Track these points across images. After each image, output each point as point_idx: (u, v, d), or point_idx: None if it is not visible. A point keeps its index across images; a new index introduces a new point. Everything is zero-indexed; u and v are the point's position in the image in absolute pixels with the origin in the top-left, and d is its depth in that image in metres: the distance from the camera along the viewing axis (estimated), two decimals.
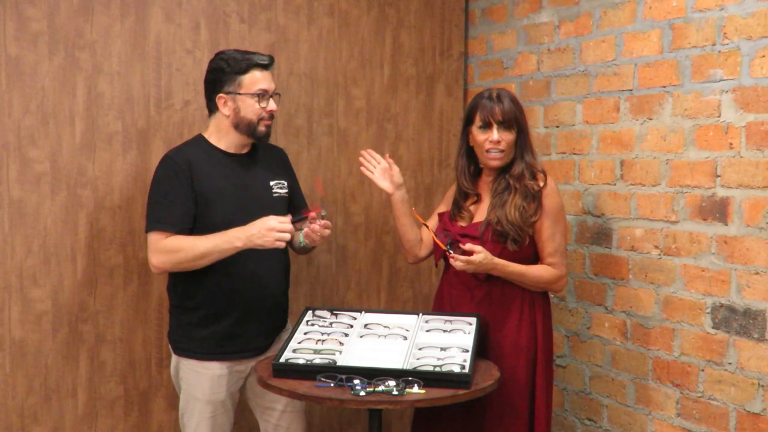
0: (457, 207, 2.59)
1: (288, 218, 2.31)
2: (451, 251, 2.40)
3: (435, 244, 2.53)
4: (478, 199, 2.57)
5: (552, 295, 3.06)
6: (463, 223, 2.55)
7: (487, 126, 2.45)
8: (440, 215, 2.66)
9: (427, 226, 2.58)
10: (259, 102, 2.41)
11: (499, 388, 2.31)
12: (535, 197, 2.45)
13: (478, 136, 2.47)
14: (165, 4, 2.81)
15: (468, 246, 2.35)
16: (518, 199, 2.43)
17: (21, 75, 2.60)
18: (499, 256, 2.41)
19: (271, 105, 2.44)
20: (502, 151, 2.45)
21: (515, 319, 2.48)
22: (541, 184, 2.47)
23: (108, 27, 2.72)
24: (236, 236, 2.28)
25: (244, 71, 2.40)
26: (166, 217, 2.37)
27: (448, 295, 2.58)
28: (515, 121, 2.45)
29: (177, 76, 2.85)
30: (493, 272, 2.42)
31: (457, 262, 2.35)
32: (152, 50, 2.80)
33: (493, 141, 2.44)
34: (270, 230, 2.25)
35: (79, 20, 2.67)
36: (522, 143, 2.49)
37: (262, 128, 2.45)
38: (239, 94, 2.40)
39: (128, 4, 2.75)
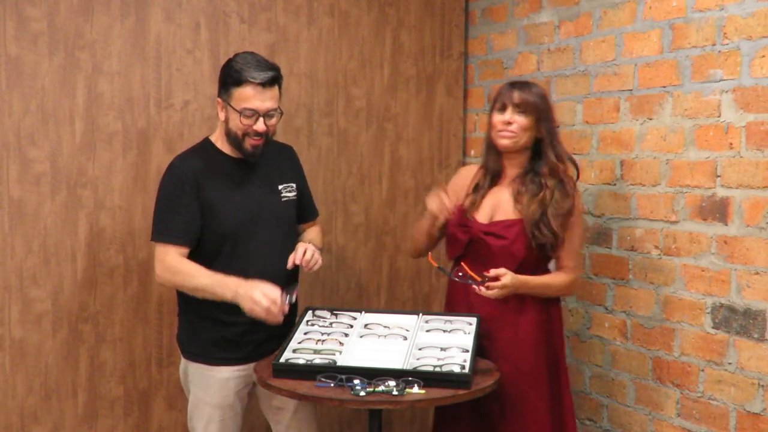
0: (478, 189, 2.53)
1: (276, 294, 2.21)
2: (478, 286, 2.31)
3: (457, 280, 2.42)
4: (488, 190, 2.53)
5: None
6: (478, 217, 2.49)
7: (502, 108, 2.45)
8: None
9: (444, 270, 2.47)
10: (242, 119, 2.29)
11: (517, 389, 2.31)
12: (569, 192, 2.43)
13: (494, 117, 2.46)
14: (165, 4, 2.81)
15: (493, 272, 2.31)
16: (555, 201, 2.40)
17: (21, 75, 2.60)
18: (524, 255, 2.40)
19: (258, 125, 2.30)
20: (513, 133, 2.43)
21: (534, 319, 2.45)
22: (574, 175, 2.47)
23: (108, 27, 2.72)
24: (228, 287, 2.24)
25: (238, 84, 2.28)
26: (171, 228, 2.34)
27: (464, 294, 2.51)
28: (533, 108, 2.42)
29: (177, 76, 2.85)
30: (522, 290, 2.37)
31: (491, 291, 2.30)
32: (152, 50, 2.80)
33: (504, 122, 2.43)
34: (252, 300, 2.19)
35: (79, 20, 2.68)
36: (549, 134, 2.44)
37: (247, 146, 2.34)
38: (229, 105, 2.32)
39: (128, 4, 2.75)
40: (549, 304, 2.50)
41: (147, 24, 2.79)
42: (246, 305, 2.21)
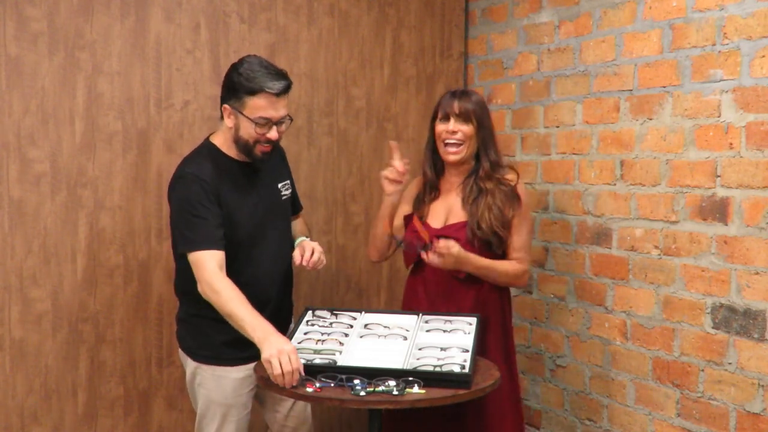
0: (420, 202, 2.66)
1: (300, 366, 2.10)
2: (428, 249, 2.43)
3: (405, 249, 2.59)
4: (436, 196, 2.65)
5: (552, 295, 3.06)
6: (432, 222, 2.60)
7: (445, 118, 2.56)
8: (406, 218, 2.68)
9: (398, 240, 2.56)
10: (256, 128, 2.30)
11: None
12: (508, 195, 2.54)
13: (438, 127, 2.58)
14: (165, 4, 2.81)
15: (442, 242, 2.42)
16: (494, 203, 2.52)
17: (21, 75, 2.60)
18: (477, 254, 2.50)
19: (272, 133, 2.31)
20: (458, 143, 2.54)
21: (492, 314, 2.56)
22: (513, 178, 2.57)
23: (108, 27, 2.72)
24: (262, 329, 2.16)
25: (252, 93, 2.27)
26: (205, 236, 2.28)
27: (424, 293, 2.61)
28: (474, 116, 2.53)
29: (177, 76, 2.85)
30: (466, 266, 2.48)
31: (435, 256, 2.41)
32: (152, 50, 2.80)
33: (448, 131, 2.54)
34: (275, 351, 2.08)
35: (79, 20, 2.68)
36: (485, 141, 2.56)
37: (257, 153, 2.35)
38: (241, 113, 2.30)
39: (128, 4, 2.75)
40: (502, 294, 2.61)
41: (147, 24, 2.79)
42: (269, 353, 2.09)
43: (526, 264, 2.59)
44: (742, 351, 2.32)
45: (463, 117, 2.52)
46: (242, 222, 2.37)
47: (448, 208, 2.61)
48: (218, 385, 2.42)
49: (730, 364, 2.35)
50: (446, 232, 2.54)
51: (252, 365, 2.41)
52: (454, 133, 2.53)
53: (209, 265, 2.25)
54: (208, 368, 2.43)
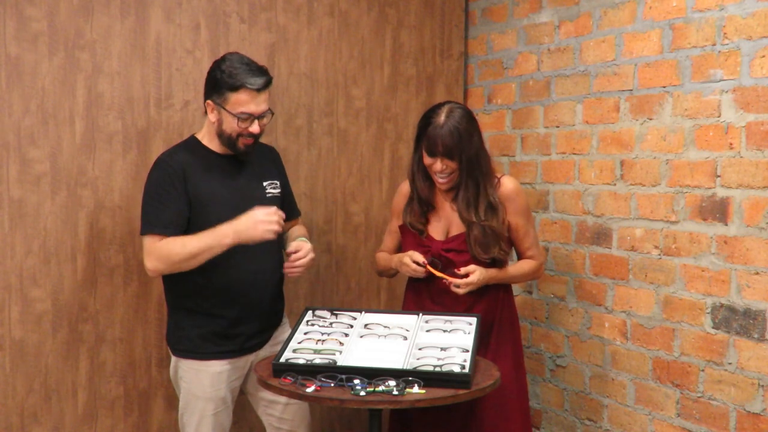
0: (422, 217, 2.62)
1: (274, 209, 2.33)
2: (450, 279, 2.47)
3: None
4: (432, 209, 2.63)
5: (552, 295, 3.06)
6: (434, 235, 2.59)
7: (431, 155, 2.51)
8: (401, 229, 2.67)
9: (444, 276, 2.51)
10: (239, 123, 2.38)
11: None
12: (497, 208, 2.53)
13: (426, 159, 2.54)
14: (165, 4, 2.81)
15: (463, 270, 2.47)
16: (487, 230, 2.51)
17: (21, 75, 2.60)
18: (486, 261, 2.53)
19: (253, 127, 2.40)
20: (449, 176, 2.53)
21: (505, 314, 2.58)
22: (498, 188, 2.56)
23: (108, 27, 2.72)
24: (224, 233, 2.30)
25: (234, 89, 2.35)
26: (159, 220, 2.37)
27: (428, 296, 2.61)
28: (456, 152, 2.47)
29: (177, 76, 2.85)
30: (490, 283, 2.53)
31: (459, 288, 2.46)
32: (152, 50, 2.80)
33: (436, 171, 2.52)
34: (257, 223, 2.28)
35: (79, 20, 2.68)
36: (471, 166, 2.51)
37: (240, 146, 2.43)
38: (224, 108, 2.38)
39: (128, 4, 2.75)
40: (508, 294, 2.64)
41: (147, 24, 2.79)
42: (256, 234, 2.28)
43: (541, 257, 2.68)
44: (742, 351, 2.32)
45: (449, 156, 2.47)
46: (213, 207, 2.42)
47: (447, 220, 2.60)
48: (197, 379, 2.46)
49: (730, 364, 2.36)
50: (451, 245, 2.54)
51: (230, 360, 2.46)
52: (443, 171, 2.50)
53: (157, 247, 2.35)
54: (186, 362, 2.48)
